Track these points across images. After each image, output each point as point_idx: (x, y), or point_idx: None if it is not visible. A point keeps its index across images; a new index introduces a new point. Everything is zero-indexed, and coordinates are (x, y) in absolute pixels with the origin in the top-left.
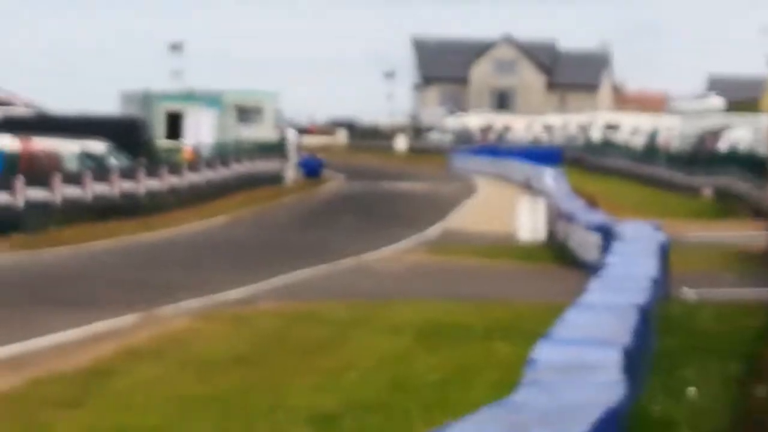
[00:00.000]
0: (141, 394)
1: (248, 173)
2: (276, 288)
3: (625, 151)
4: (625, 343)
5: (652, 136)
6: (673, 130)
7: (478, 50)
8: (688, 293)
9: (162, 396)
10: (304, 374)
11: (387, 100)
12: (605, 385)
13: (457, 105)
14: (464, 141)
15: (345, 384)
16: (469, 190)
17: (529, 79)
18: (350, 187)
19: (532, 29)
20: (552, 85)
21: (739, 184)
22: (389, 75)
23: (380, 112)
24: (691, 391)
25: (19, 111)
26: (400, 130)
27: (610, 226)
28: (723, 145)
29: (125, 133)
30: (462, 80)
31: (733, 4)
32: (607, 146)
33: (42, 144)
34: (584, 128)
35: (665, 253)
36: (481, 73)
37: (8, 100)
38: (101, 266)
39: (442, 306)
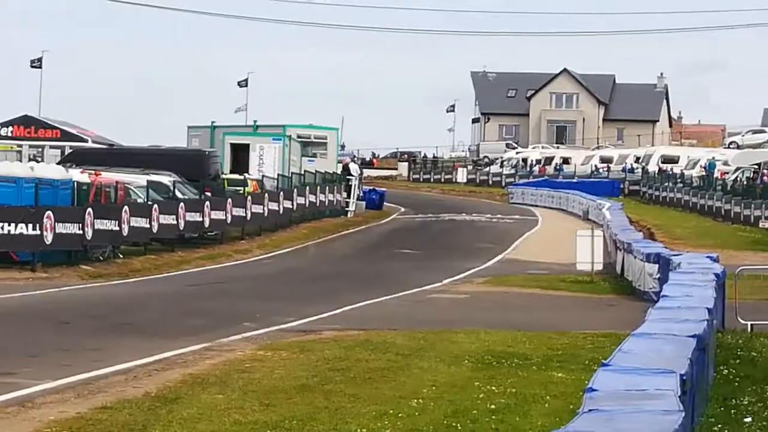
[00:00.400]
0: (205, 420)
1: (312, 205)
2: (339, 317)
3: (682, 183)
4: (683, 372)
5: (709, 169)
6: (730, 163)
7: (537, 84)
8: (745, 323)
9: (226, 422)
10: (366, 402)
11: (448, 133)
12: (663, 414)
13: (517, 138)
14: (523, 174)
15: (405, 412)
16: (528, 222)
17: (588, 112)
18: (412, 219)
19: (591, 63)
20: (610, 118)
21: None
22: (450, 109)
23: (441, 145)
24: (748, 420)
25: (89, 145)
26: (461, 162)
27: (668, 257)
28: None
29: (192, 166)
30: (521, 114)
31: None
32: (665, 178)
33: (111, 177)
34: (642, 161)
35: (722, 283)
36: (540, 106)
37: (80, 135)
38: (168, 296)
39: (501, 335)
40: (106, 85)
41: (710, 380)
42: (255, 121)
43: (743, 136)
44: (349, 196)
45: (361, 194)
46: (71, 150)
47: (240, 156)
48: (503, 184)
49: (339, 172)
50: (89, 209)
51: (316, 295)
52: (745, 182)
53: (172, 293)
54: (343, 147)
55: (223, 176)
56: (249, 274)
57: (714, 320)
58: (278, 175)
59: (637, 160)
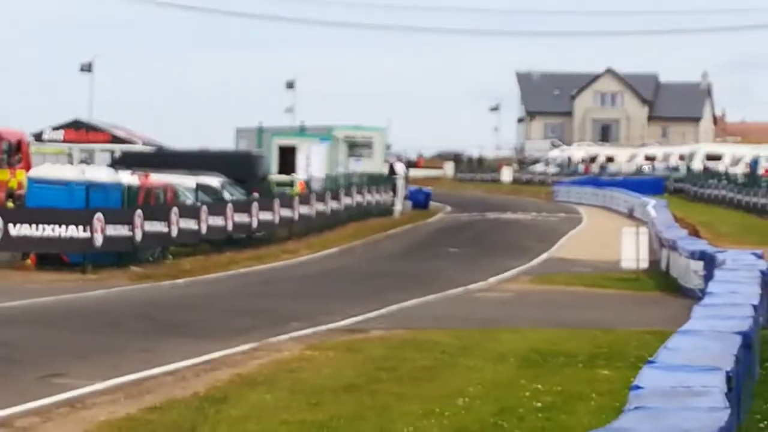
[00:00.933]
0: (254, 420)
1: (358, 205)
2: (386, 316)
3: (726, 180)
4: (729, 369)
5: (754, 166)
6: None
7: (581, 83)
8: None
9: (274, 422)
10: (412, 401)
11: (493, 132)
12: (709, 411)
13: (561, 137)
14: (568, 172)
15: (452, 411)
16: (573, 220)
17: (632, 110)
18: (457, 218)
19: (634, 62)
20: (654, 117)
21: None
22: (495, 108)
23: (486, 145)
24: None
25: (139, 148)
26: (506, 162)
27: (713, 254)
28: None
29: (240, 168)
30: (565, 113)
31: None
32: (709, 176)
33: (160, 179)
34: (686, 159)
35: (767, 280)
36: (584, 105)
37: (129, 138)
38: (216, 297)
39: (546, 333)
40: (155, 89)
41: (756, 377)
42: (302, 123)
43: None
44: (395, 196)
45: (408, 194)
46: (121, 153)
47: (287, 157)
48: (548, 182)
49: (385, 172)
50: (139, 211)
51: (363, 295)
52: None
53: (220, 294)
54: (389, 147)
55: (271, 177)
56: (296, 274)
57: (759, 317)
58: (325, 175)
59: (681, 158)
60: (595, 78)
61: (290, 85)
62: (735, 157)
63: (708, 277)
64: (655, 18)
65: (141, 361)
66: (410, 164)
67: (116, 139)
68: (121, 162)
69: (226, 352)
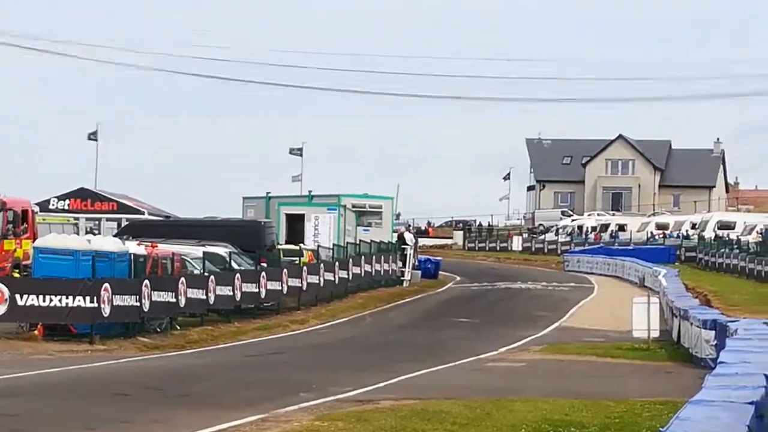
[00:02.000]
0: None
1: (367, 275)
2: (396, 387)
3: (739, 249)
4: None
5: (766, 234)
6: None
7: (592, 150)
8: None
9: None
10: None
11: (503, 201)
12: None
13: (572, 205)
14: (579, 241)
15: None
16: (584, 290)
17: (644, 178)
18: (467, 288)
19: (646, 129)
20: (666, 185)
21: None
22: (507, 177)
23: (496, 213)
24: None
25: (145, 217)
26: (516, 230)
27: (724, 323)
28: None
29: (248, 237)
30: (576, 181)
31: None
32: (721, 244)
33: (167, 248)
34: (698, 227)
35: None
36: (596, 172)
37: (136, 207)
38: (224, 367)
39: (558, 404)
40: (161, 157)
41: None
42: (310, 191)
43: None
44: (404, 266)
45: (417, 263)
46: (128, 222)
47: (295, 226)
48: (558, 251)
49: (394, 241)
50: (146, 281)
51: (373, 365)
52: None
53: (228, 364)
54: (398, 216)
55: (279, 246)
56: (305, 344)
57: None
58: (333, 245)
59: (694, 226)
60: (606, 145)
61: (297, 152)
62: (747, 225)
63: (720, 346)
64: (667, 85)
65: None
66: (420, 233)
67: (123, 209)
68: (128, 231)
69: (234, 423)
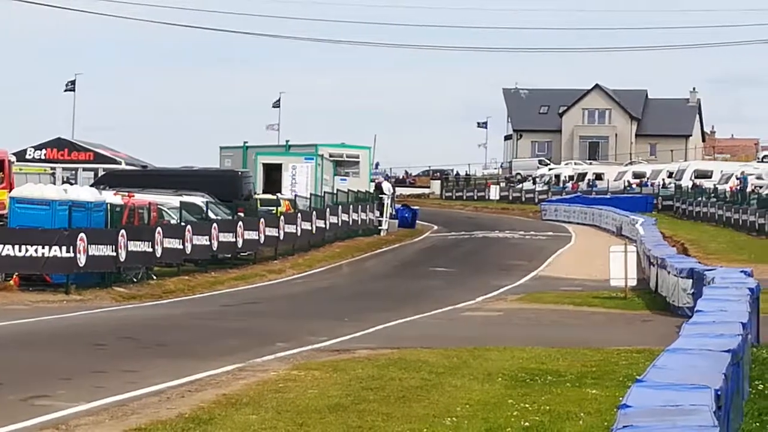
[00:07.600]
0: None
1: (344, 224)
2: (372, 336)
3: (716, 197)
4: (718, 388)
5: (743, 183)
6: (764, 177)
7: (569, 100)
8: None
9: None
10: (399, 421)
11: (480, 150)
12: (698, 430)
13: (549, 154)
14: (556, 190)
15: (440, 431)
16: (561, 239)
17: (620, 127)
18: (445, 237)
19: (623, 79)
20: (643, 134)
21: None
22: (483, 124)
23: (474, 163)
24: None
25: (122, 167)
26: (493, 180)
27: (701, 271)
28: None
29: (225, 186)
30: (553, 130)
31: None
32: (698, 193)
33: (144, 198)
34: (675, 176)
35: (756, 298)
36: (573, 122)
37: (112, 157)
38: (201, 317)
39: (534, 352)
40: (138, 107)
41: (745, 395)
42: (287, 141)
43: None
44: (381, 215)
45: (394, 212)
46: (104, 172)
47: (273, 176)
48: (536, 201)
49: (372, 190)
50: (122, 231)
51: (350, 314)
52: None
53: (205, 314)
54: (377, 165)
55: (256, 196)
56: (282, 294)
57: (749, 335)
58: (311, 194)
59: (670, 175)
60: (583, 95)
61: (276, 105)
62: (724, 174)
63: (697, 295)
64: (643, 34)
65: (125, 382)
66: (397, 182)
67: (99, 158)
68: (105, 181)
69: (211, 373)
